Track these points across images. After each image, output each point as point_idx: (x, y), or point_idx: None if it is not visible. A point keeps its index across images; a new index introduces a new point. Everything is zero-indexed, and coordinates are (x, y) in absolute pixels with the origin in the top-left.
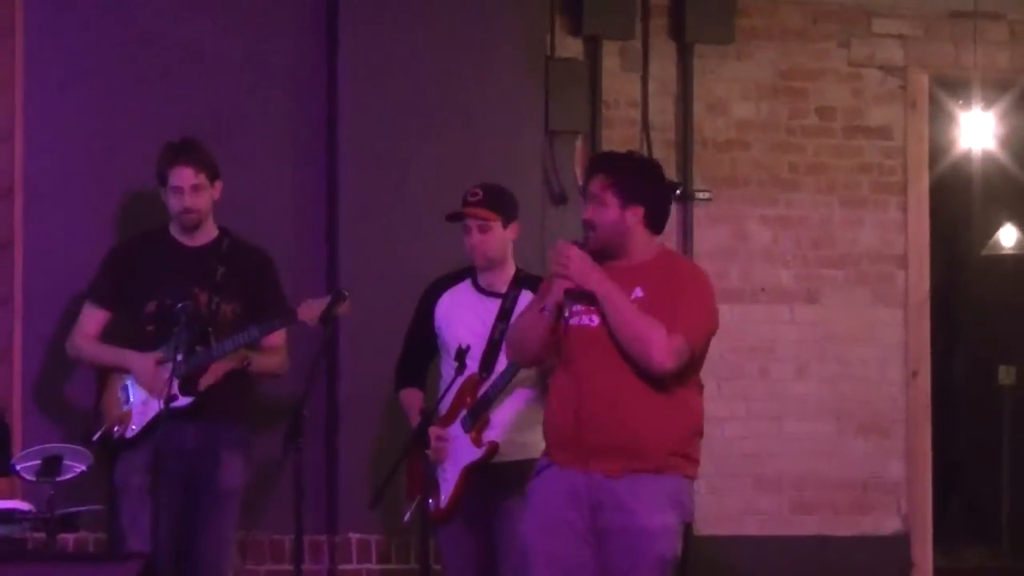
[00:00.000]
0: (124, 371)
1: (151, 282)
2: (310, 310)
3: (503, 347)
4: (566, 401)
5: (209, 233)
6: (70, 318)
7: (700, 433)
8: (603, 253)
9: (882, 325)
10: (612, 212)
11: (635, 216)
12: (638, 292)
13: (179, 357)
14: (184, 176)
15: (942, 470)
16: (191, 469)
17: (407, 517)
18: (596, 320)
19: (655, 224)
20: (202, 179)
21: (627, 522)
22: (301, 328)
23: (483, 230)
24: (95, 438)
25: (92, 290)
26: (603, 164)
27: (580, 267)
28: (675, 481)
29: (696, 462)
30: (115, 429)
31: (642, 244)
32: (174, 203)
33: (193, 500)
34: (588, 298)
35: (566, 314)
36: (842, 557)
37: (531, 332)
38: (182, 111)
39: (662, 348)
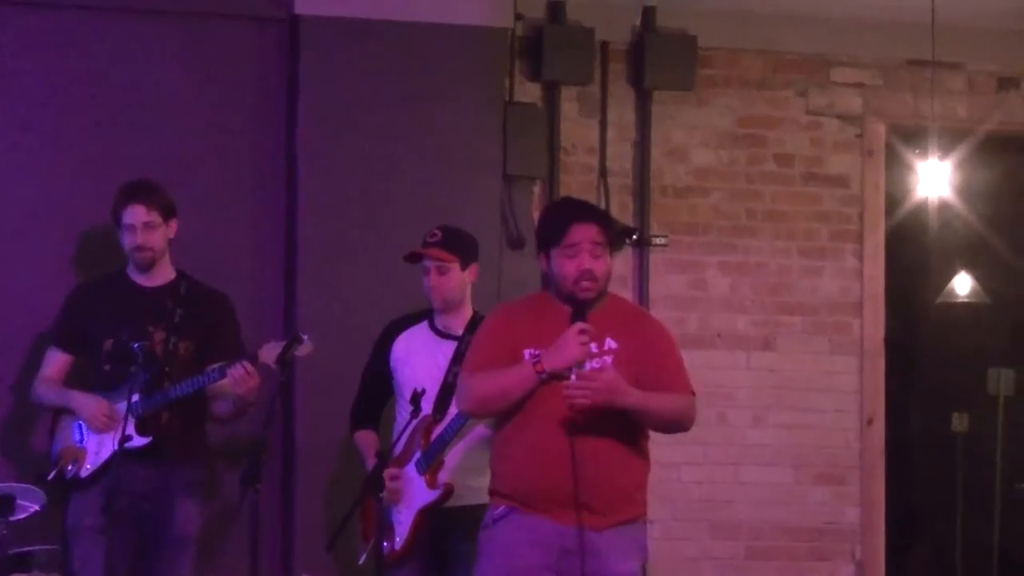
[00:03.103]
0: (72, 412)
1: (108, 322)
2: (272, 352)
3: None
4: (546, 456)
5: (166, 274)
6: (26, 360)
7: None
8: (591, 303)
9: (838, 372)
10: (608, 262)
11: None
12: (611, 343)
13: (135, 397)
14: (136, 214)
15: (897, 517)
16: (144, 512)
17: (362, 559)
18: (572, 372)
19: None
20: (154, 217)
21: (598, 568)
22: (263, 371)
23: (441, 271)
24: (50, 477)
25: (52, 333)
26: (596, 214)
27: (611, 388)
28: (641, 527)
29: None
30: (68, 468)
31: None
32: (127, 241)
33: (147, 544)
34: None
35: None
36: None
37: (520, 392)
38: (142, 153)
39: (692, 417)
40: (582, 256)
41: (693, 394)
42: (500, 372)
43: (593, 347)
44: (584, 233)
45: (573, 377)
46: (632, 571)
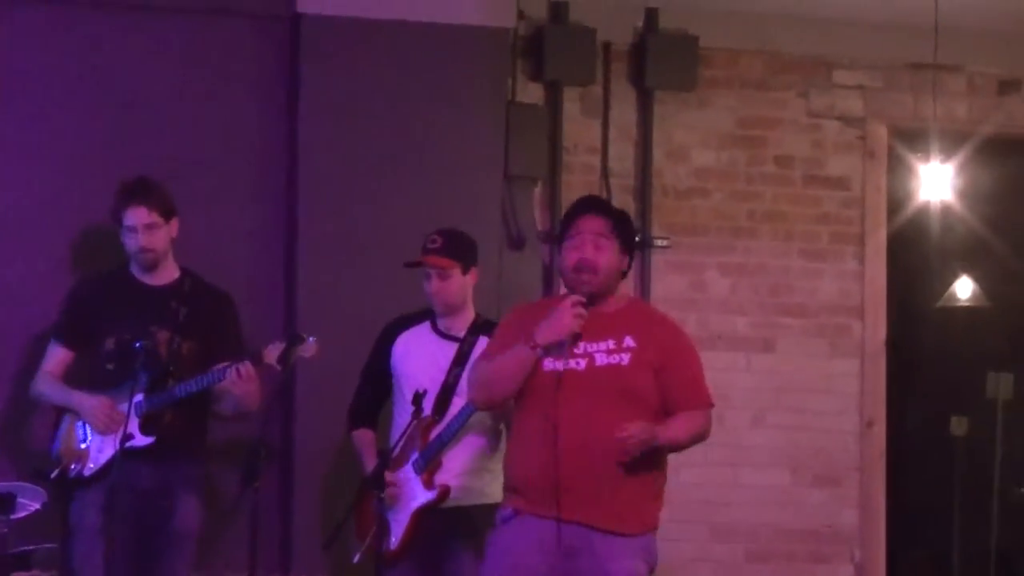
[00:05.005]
0: (75, 412)
1: (111, 320)
2: (275, 352)
3: (458, 390)
4: (553, 449)
5: (170, 273)
6: (27, 356)
7: None
8: (592, 297)
9: (838, 375)
10: (613, 256)
11: (624, 263)
12: (629, 342)
13: (139, 397)
14: (137, 216)
15: (895, 520)
16: (146, 509)
17: (357, 558)
18: (583, 364)
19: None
20: (155, 217)
21: (597, 569)
22: (268, 370)
23: (443, 277)
24: (53, 476)
25: (55, 329)
26: (604, 207)
27: (649, 436)
28: (648, 538)
29: None
30: (72, 467)
31: (619, 291)
32: (130, 243)
33: (148, 541)
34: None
35: (565, 356)
36: None
37: (518, 371)
38: (144, 150)
39: (709, 431)
40: (584, 246)
41: (712, 405)
42: (501, 356)
43: (611, 343)
44: (588, 224)
45: (604, 345)
46: (635, 572)
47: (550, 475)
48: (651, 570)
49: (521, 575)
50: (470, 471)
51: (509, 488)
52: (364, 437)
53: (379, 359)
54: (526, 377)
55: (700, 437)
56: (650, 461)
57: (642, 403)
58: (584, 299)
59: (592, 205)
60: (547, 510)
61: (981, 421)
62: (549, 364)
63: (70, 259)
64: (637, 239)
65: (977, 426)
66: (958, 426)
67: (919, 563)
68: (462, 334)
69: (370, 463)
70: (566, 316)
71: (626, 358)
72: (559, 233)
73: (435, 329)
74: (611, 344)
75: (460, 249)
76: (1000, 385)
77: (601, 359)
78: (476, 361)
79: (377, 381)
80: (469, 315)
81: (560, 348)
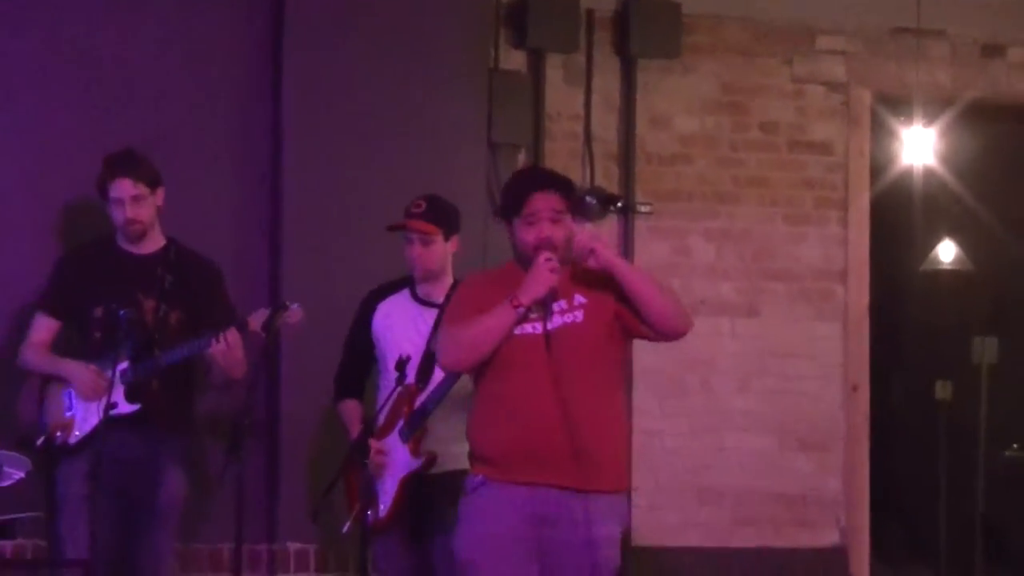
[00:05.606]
0: (63, 380)
1: (98, 289)
2: (260, 319)
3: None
4: (535, 414)
5: (156, 241)
6: (13, 329)
7: None
8: None
9: (822, 340)
10: (568, 229)
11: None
12: (580, 299)
13: (124, 365)
14: (123, 188)
15: (880, 484)
16: (131, 479)
17: (346, 527)
18: (539, 328)
19: None
20: (141, 189)
21: (576, 534)
22: (254, 338)
23: (425, 243)
24: (38, 444)
25: (41, 299)
26: (556, 181)
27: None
28: (624, 498)
29: None
30: (57, 435)
31: None
32: (117, 215)
33: (133, 511)
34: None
35: (548, 314)
36: (781, 569)
37: (501, 332)
38: (128, 125)
39: (684, 307)
40: (541, 224)
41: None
42: (479, 318)
43: (563, 303)
44: (544, 202)
45: (557, 306)
46: (611, 536)
47: (531, 444)
48: (623, 531)
49: (499, 543)
50: (456, 437)
51: (480, 458)
52: (350, 408)
53: (360, 330)
54: (504, 338)
55: (667, 292)
56: (622, 418)
57: (605, 357)
58: (555, 256)
59: (545, 181)
60: (527, 477)
61: (966, 385)
62: (518, 329)
63: (54, 235)
64: (620, 205)
65: (962, 390)
66: (942, 390)
67: (904, 527)
68: (441, 300)
69: (356, 434)
70: (543, 272)
71: (580, 315)
72: (504, 206)
73: (414, 296)
74: (563, 305)
75: (443, 215)
76: (985, 349)
77: (556, 320)
78: (446, 327)
79: (360, 352)
80: (448, 281)
81: (542, 307)
